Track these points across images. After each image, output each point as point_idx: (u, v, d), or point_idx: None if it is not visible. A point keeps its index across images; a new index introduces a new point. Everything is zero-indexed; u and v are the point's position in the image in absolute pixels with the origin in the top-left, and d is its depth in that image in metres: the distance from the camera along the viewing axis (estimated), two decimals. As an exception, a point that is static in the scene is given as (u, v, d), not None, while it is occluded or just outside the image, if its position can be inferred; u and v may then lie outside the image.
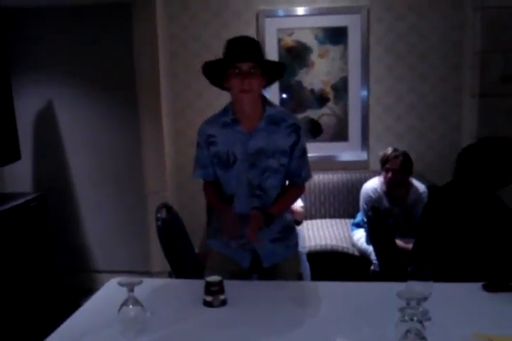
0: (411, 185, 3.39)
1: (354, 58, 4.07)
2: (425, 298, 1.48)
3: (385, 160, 3.38)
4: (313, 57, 4.07)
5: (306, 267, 3.27)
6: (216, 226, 2.24)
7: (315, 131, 4.15)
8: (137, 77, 3.85)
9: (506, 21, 3.57)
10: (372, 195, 3.42)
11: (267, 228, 2.03)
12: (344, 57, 4.07)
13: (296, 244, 2.30)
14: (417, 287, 1.57)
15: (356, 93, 4.11)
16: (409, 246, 2.71)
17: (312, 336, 1.66)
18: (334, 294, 1.97)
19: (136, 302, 1.63)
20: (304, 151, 2.15)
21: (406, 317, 1.43)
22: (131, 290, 1.62)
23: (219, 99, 4.00)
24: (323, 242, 3.58)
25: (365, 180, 3.63)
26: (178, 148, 4.16)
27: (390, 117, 4.12)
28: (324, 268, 3.41)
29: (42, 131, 4.12)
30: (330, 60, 4.08)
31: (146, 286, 1.69)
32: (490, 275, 2.02)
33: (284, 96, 4.15)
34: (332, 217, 4.06)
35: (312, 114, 4.15)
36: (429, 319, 1.60)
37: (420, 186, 3.40)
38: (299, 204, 3.51)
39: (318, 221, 4.01)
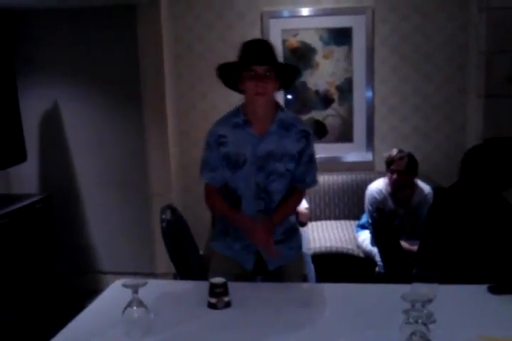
0: (416, 186, 3.38)
1: (359, 59, 4.06)
2: (430, 300, 1.48)
3: (390, 162, 3.37)
4: (318, 58, 4.07)
5: (311, 269, 3.27)
6: (221, 228, 2.25)
7: (320, 132, 4.14)
8: (142, 78, 3.86)
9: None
10: (377, 196, 3.41)
11: None
12: (349, 58, 4.07)
13: (300, 246, 2.31)
14: (422, 289, 1.56)
15: (361, 94, 4.11)
16: (415, 247, 2.70)
17: (316, 338, 1.65)
18: (338, 296, 1.96)
19: (141, 303, 1.63)
20: (312, 158, 2.17)
21: (411, 320, 1.43)
22: (136, 291, 1.62)
23: (223, 100, 4.04)
24: (328, 244, 3.57)
25: (370, 181, 3.62)
26: (183, 149, 4.16)
27: (394, 118, 4.11)
28: (329, 269, 3.40)
29: (47, 132, 4.13)
30: (334, 60, 4.08)
31: (151, 288, 1.69)
32: (495, 277, 2.01)
33: (289, 97, 4.14)
34: (337, 218, 4.05)
35: (317, 115, 4.14)
36: (433, 321, 1.59)
37: (425, 187, 3.39)
38: (303, 206, 3.51)
39: (323, 222, 4.00)
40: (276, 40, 4.03)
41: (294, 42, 4.06)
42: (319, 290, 2.11)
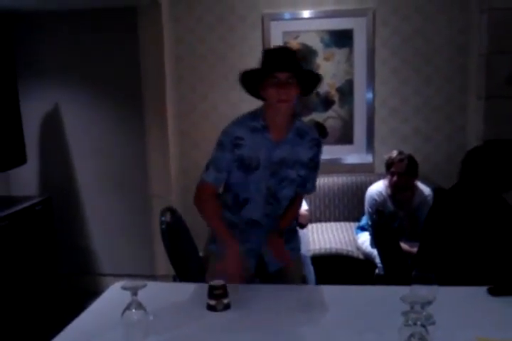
0: (416, 188, 3.38)
1: (359, 61, 4.06)
2: (429, 302, 1.47)
3: (390, 164, 3.37)
4: (319, 60, 4.07)
5: (310, 271, 3.26)
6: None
7: (320, 133, 4.12)
8: (143, 80, 3.87)
9: (512, 23, 3.57)
10: (377, 198, 3.40)
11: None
12: (349, 59, 4.07)
13: (299, 247, 2.34)
14: (421, 291, 1.56)
15: (361, 96, 4.11)
16: (414, 249, 2.69)
17: (316, 340, 1.65)
18: (338, 298, 1.96)
19: (140, 306, 1.62)
20: (317, 165, 2.20)
21: (410, 322, 1.42)
22: (135, 294, 1.61)
23: (223, 101, 4.06)
24: (327, 246, 3.57)
25: (370, 183, 3.62)
26: (183, 151, 4.16)
27: (395, 120, 4.11)
28: (329, 271, 3.40)
29: (48, 134, 4.14)
30: (335, 62, 4.08)
31: (150, 290, 1.68)
32: (495, 279, 2.00)
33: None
34: (337, 220, 4.05)
35: (317, 116, 4.14)
36: (433, 323, 1.59)
37: (425, 189, 3.38)
38: (303, 208, 3.51)
39: (323, 224, 4.00)
40: (277, 43, 4.03)
41: (295, 44, 4.05)
42: (319, 292, 2.11)
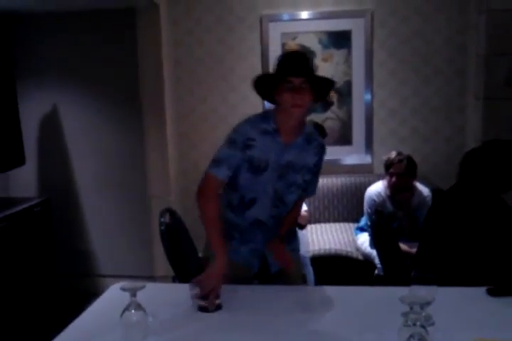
0: (415, 188, 3.38)
1: (358, 62, 4.06)
2: (428, 303, 1.47)
3: (389, 165, 3.37)
4: (317, 61, 4.07)
5: (309, 271, 3.26)
6: (225, 232, 2.24)
7: (319, 134, 4.13)
8: (141, 82, 3.86)
9: (511, 24, 3.56)
10: (376, 198, 3.41)
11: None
12: (348, 61, 4.08)
13: (298, 248, 2.35)
14: (421, 291, 1.56)
15: (360, 97, 4.11)
16: (413, 250, 2.69)
17: (315, 340, 1.65)
18: (337, 299, 1.96)
19: (139, 307, 1.62)
20: (319, 170, 2.22)
21: (409, 322, 1.42)
22: (134, 295, 1.61)
23: (223, 103, 4.06)
24: (327, 246, 3.57)
25: (369, 183, 3.62)
26: (182, 152, 4.16)
27: (394, 121, 4.12)
28: (328, 272, 3.40)
29: (46, 135, 4.14)
30: (334, 63, 4.08)
31: (149, 291, 1.68)
32: (494, 279, 2.01)
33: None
34: (336, 221, 4.05)
35: (316, 117, 4.12)
36: (432, 324, 1.59)
37: (424, 189, 3.39)
38: (303, 209, 3.50)
39: (322, 225, 3.99)
40: (275, 44, 4.03)
41: (293, 45, 4.06)
42: (318, 292, 2.11)
